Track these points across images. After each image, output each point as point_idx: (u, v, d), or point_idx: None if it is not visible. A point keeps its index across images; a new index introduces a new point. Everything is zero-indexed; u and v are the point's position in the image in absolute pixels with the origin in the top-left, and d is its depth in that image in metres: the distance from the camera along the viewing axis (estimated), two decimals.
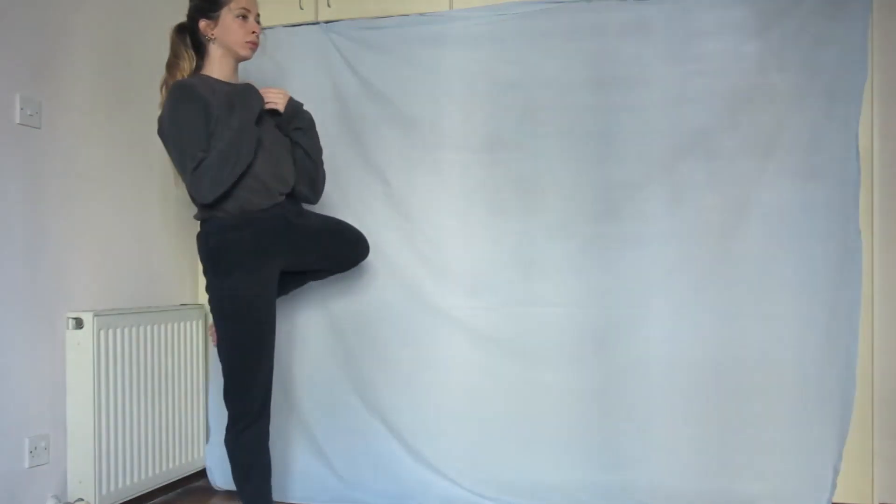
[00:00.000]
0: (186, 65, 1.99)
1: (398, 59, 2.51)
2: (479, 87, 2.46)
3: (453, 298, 2.46)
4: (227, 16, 1.98)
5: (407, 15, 2.52)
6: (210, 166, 1.82)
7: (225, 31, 1.99)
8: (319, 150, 2.16)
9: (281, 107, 2.02)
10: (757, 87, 2.24)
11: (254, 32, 2.00)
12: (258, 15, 2.03)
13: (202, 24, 1.98)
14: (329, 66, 2.56)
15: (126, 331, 2.27)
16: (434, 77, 2.49)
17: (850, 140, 2.18)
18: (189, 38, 2.01)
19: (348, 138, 2.55)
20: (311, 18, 2.62)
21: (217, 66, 2.01)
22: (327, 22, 2.59)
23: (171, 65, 2.01)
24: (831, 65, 2.19)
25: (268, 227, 1.97)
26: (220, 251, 1.92)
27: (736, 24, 2.26)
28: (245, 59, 2.04)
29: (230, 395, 1.96)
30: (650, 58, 2.32)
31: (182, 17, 2.02)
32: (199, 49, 2.01)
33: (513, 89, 2.43)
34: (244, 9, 1.99)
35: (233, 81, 2.02)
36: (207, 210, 1.93)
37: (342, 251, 2.28)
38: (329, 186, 2.58)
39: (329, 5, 2.63)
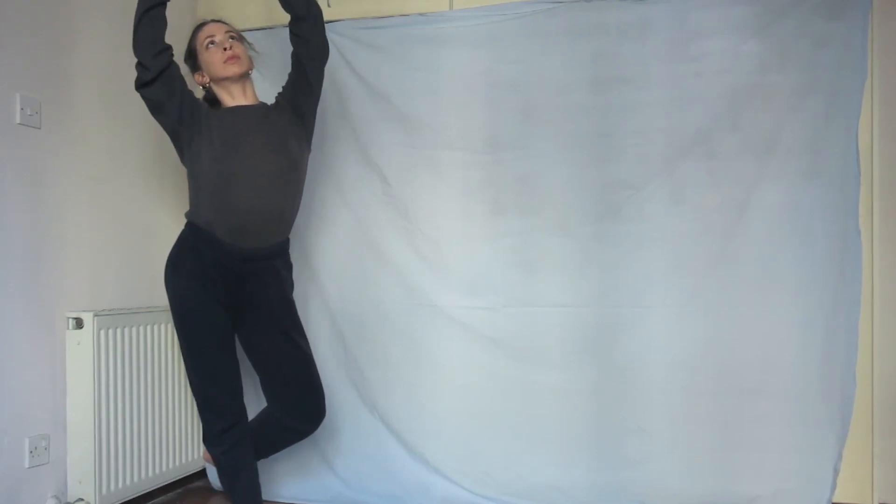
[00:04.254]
0: None
1: (398, 59, 2.51)
2: (478, 87, 2.46)
3: (453, 298, 2.46)
4: (202, 54, 2.01)
5: (407, 15, 2.52)
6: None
7: (207, 68, 2.02)
8: None
9: None
10: (757, 87, 2.24)
11: (225, 49, 1.97)
12: (228, 31, 2.03)
13: (197, 78, 2.03)
14: (329, 66, 2.54)
15: (126, 331, 2.27)
16: (434, 77, 2.49)
17: (850, 139, 2.18)
18: (208, 95, 2.07)
19: (348, 138, 2.55)
20: None
21: (228, 100, 2.03)
22: (327, 22, 2.57)
23: None
24: (831, 65, 2.18)
25: (216, 259, 1.95)
26: (179, 250, 1.99)
27: (736, 24, 2.25)
28: (233, 76, 2.00)
29: (196, 400, 2.04)
30: (650, 58, 2.32)
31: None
32: (215, 98, 2.06)
33: (513, 89, 2.42)
34: (209, 37, 2.00)
35: (252, 103, 2.05)
36: (189, 214, 2.00)
37: (287, 381, 2.12)
38: (328, 186, 2.58)
39: (329, 5, 2.62)
